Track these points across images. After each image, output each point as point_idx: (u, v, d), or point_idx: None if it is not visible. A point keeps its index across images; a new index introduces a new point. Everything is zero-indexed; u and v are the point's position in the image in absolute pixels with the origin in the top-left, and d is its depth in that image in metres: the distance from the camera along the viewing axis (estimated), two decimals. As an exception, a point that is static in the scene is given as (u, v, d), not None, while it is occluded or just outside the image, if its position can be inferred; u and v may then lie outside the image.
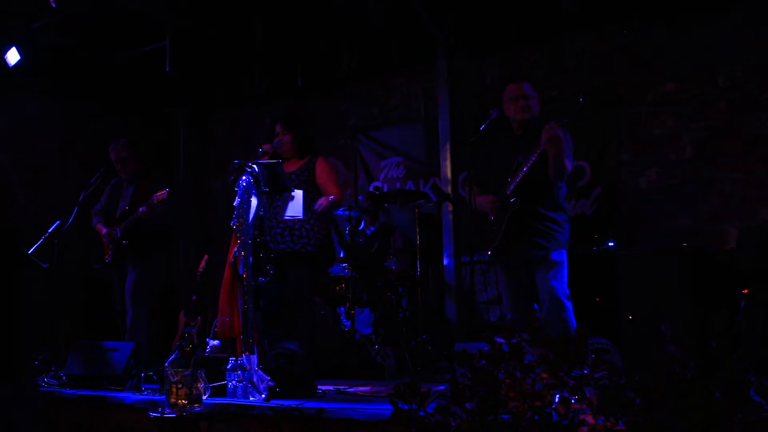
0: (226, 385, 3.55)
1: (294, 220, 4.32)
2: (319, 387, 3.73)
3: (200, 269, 4.76)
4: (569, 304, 3.80)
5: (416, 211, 5.72)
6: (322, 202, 4.38)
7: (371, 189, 6.71)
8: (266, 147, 4.37)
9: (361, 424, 2.93)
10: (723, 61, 5.38)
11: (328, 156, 5.18)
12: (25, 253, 4.12)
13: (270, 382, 3.44)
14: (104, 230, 5.21)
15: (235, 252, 3.74)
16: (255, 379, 3.47)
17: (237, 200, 3.80)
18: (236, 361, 3.56)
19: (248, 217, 3.76)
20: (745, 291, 3.52)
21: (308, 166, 4.57)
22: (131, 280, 5.14)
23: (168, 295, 7.07)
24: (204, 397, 3.31)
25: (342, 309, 5.59)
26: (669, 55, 5.59)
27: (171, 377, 3.22)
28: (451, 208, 6.20)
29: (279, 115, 4.85)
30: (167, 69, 6.24)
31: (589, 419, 1.82)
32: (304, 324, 4.46)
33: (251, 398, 3.43)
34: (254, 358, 3.55)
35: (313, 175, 4.55)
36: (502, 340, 1.95)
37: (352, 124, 7.24)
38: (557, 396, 1.87)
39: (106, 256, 5.19)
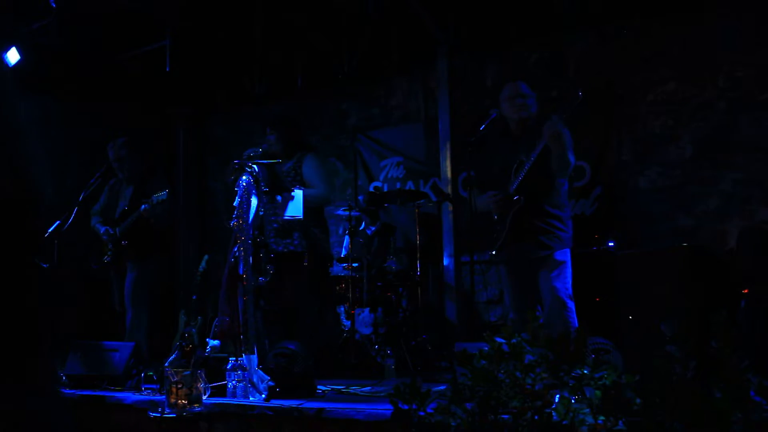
0: (226, 385, 3.54)
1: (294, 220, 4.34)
2: (319, 387, 3.72)
3: (200, 269, 4.77)
4: (571, 305, 3.78)
5: (416, 211, 5.72)
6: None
7: (371, 189, 6.71)
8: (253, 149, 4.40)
9: (361, 424, 2.93)
10: (723, 61, 5.38)
11: (324, 156, 5.21)
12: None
13: (270, 382, 3.44)
14: (103, 230, 5.21)
15: (235, 252, 3.74)
16: (255, 379, 3.47)
17: (237, 200, 3.80)
18: (236, 361, 3.56)
19: (248, 217, 3.76)
20: (745, 291, 3.51)
21: (296, 165, 4.62)
22: (131, 280, 5.14)
23: (168, 295, 7.06)
24: (204, 397, 3.31)
25: (342, 309, 5.59)
26: (669, 55, 5.59)
27: (171, 377, 3.22)
28: (451, 208, 6.19)
29: (269, 117, 4.93)
30: (167, 69, 6.24)
31: (589, 419, 1.82)
32: (304, 324, 4.47)
33: (251, 398, 3.43)
34: (254, 358, 3.55)
35: (300, 173, 4.60)
36: (502, 340, 1.94)
37: (352, 124, 7.24)
38: (557, 396, 1.87)
39: (106, 256, 5.20)
